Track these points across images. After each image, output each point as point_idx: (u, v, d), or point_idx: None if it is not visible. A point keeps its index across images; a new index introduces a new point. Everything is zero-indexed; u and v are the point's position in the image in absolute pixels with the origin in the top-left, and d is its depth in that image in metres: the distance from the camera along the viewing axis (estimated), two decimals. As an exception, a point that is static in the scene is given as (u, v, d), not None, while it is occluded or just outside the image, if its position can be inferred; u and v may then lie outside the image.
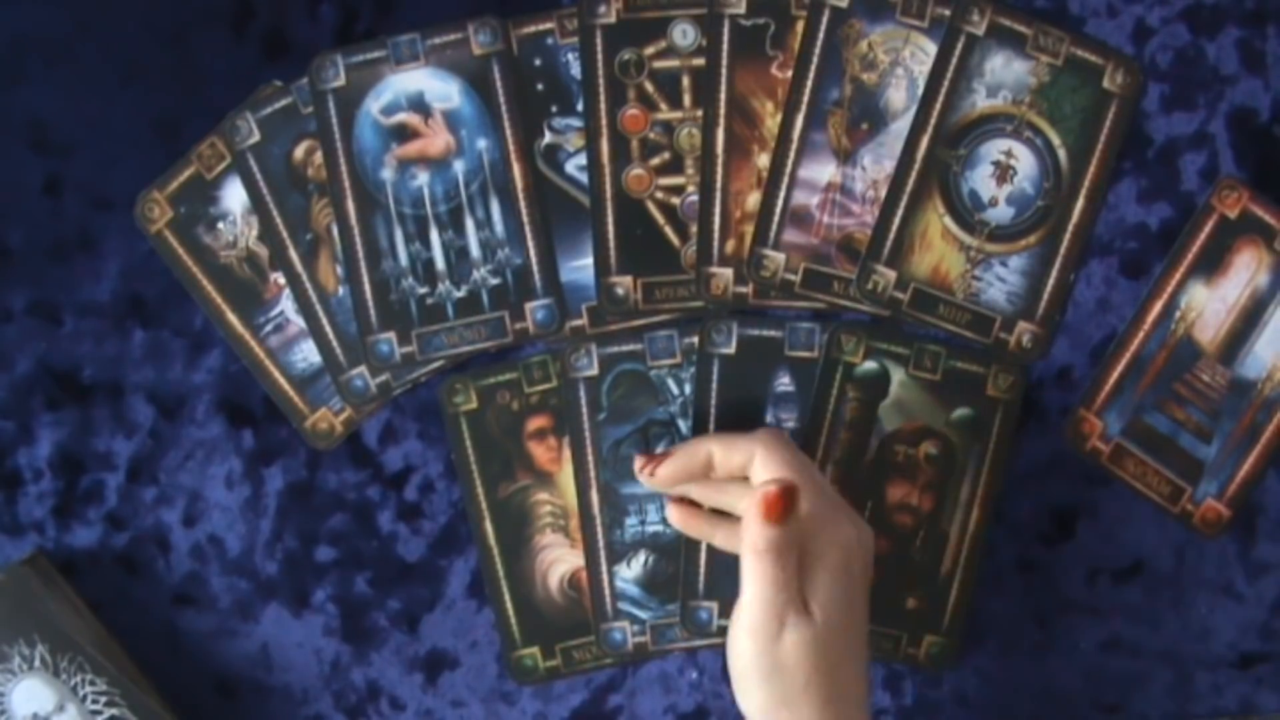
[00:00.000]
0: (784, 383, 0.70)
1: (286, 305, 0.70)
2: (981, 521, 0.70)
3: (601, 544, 0.70)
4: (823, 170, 0.69)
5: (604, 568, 0.71)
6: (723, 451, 0.63)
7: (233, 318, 0.70)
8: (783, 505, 0.58)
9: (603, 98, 0.69)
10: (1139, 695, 0.71)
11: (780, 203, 0.69)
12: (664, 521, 0.70)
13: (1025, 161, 0.69)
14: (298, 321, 0.70)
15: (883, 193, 0.69)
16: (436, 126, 0.69)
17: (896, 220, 0.69)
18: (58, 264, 0.70)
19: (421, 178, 0.69)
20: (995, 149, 0.69)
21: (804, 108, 0.69)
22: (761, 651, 0.59)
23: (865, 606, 0.62)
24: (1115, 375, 0.70)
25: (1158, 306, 0.69)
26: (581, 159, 0.69)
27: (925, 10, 0.68)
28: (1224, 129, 0.69)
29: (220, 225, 0.70)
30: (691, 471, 0.64)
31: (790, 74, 0.69)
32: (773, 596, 0.58)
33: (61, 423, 0.70)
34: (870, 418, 0.69)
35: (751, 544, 0.59)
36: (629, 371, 0.70)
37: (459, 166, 0.69)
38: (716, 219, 0.70)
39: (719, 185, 0.69)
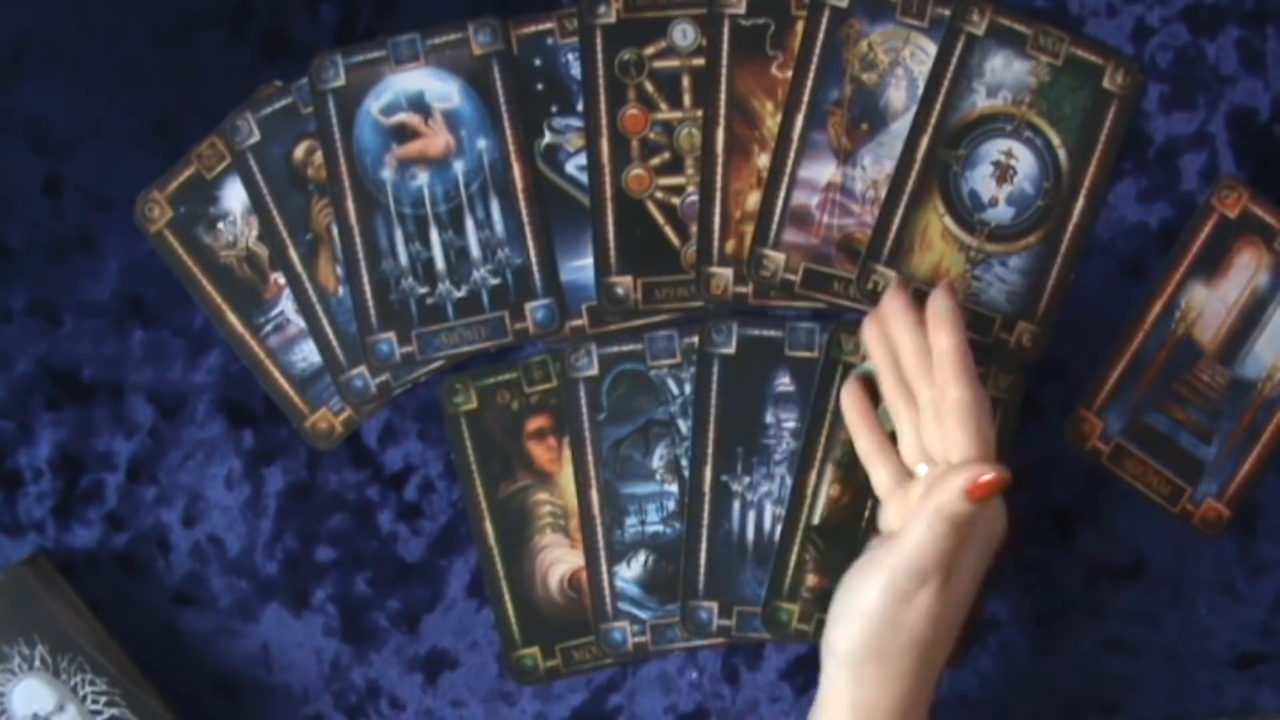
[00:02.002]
0: (784, 383, 0.70)
1: (286, 305, 0.70)
2: (981, 521, 0.70)
3: (601, 544, 0.70)
4: (823, 170, 0.69)
5: (604, 568, 0.71)
6: (926, 381, 0.61)
7: (233, 318, 0.70)
8: (993, 491, 0.57)
9: (603, 98, 0.69)
10: (1139, 695, 0.71)
11: (780, 203, 0.69)
12: (664, 521, 0.70)
13: (1025, 161, 0.69)
14: (298, 321, 0.70)
15: (883, 193, 0.69)
16: (436, 126, 0.69)
17: (896, 220, 0.69)
18: (58, 264, 0.70)
19: (421, 178, 0.69)
20: (995, 149, 0.69)
21: (804, 108, 0.69)
22: (890, 602, 0.58)
23: (978, 586, 0.62)
24: (1115, 375, 0.70)
25: (1158, 306, 0.69)
26: (581, 159, 0.69)
27: (925, 10, 0.68)
28: (1224, 129, 0.69)
29: (220, 225, 0.70)
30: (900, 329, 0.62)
31: (790, 74, 0.69)
32: (929, 561, 0.58)
33: (61, 423, 0.70)
34: (870, 418, 0.69)
35: (939, 507, 0.57)
36: (629, 371, 0.70)
37: (459, 166, 0.69)
38: (716, 219, 0.70)
39: (719, 185, 0.69)
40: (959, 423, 0.59)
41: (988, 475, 0.57)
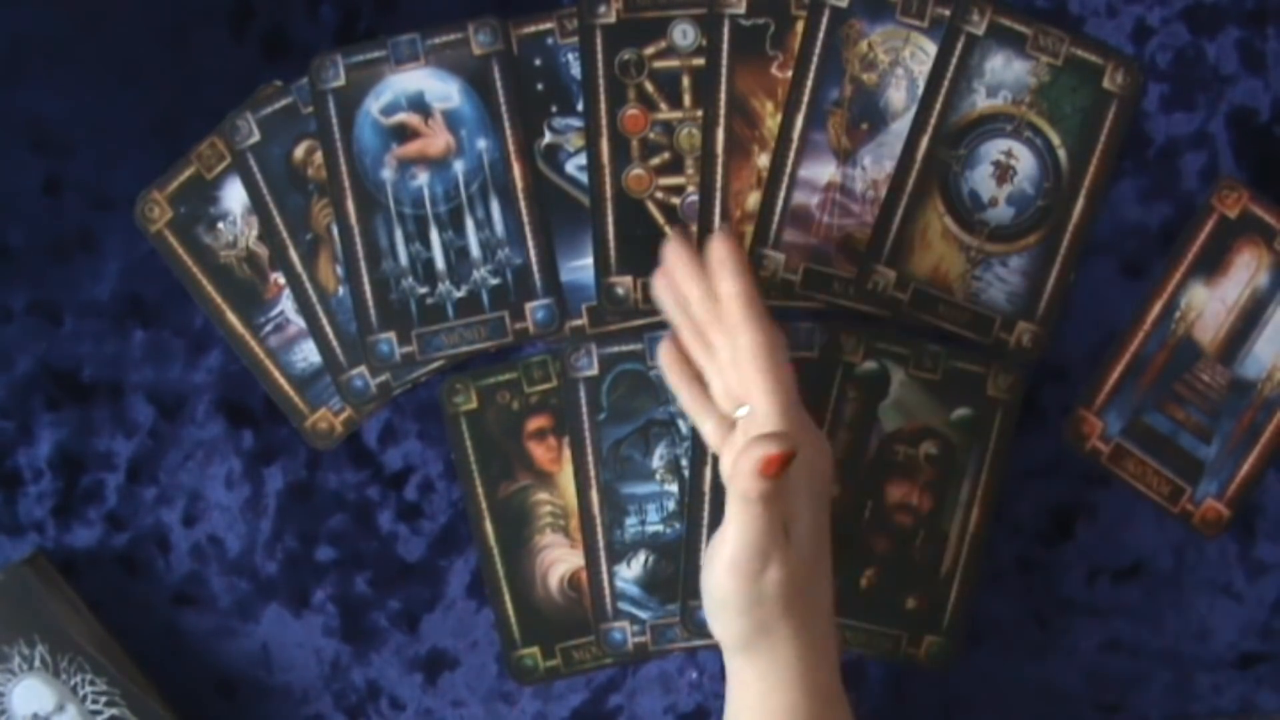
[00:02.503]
0: (784, 383, 0.70)
1: (286, 305, 0.70)
2: (981, 521, 0.70)
3: (601, 544, 0.70)
4: (823, 170, 0.69)
5: (604, 568, 0.71)
6: (717, 328, 0.62)
7: (233, 318, 0.70)
8: (781, 467, 0.57)
9: (603, 98, 0.69)
10: (1139, 695, 0.71)
11: (780, 203, 0.69)
12: (664, 521, 0.70)
13: (1025, 161, 0.69)
14: (298, 321, 0.70)
15: (883, 193, 0.69)
16: (436, 126, 0.69)
17: (896, 220, 0.69)
18: (58, 264, 0.70)
19: (421, 178, 0.69)
20: (995, 149, 0.69)
21: (804, 108, 0.69)
22: (744, 586, 0.58)
23: (829, 518, 0.62)
24: (1115, 375, 0.70)
25: (1158, 306, 0.69)
26: (581, 159, 0.69)
27: (925, 10, 0.68)
28: (1224, 129, 0.69)
29: (220, 225, 0.70)
30: (686, 269, 0.62)
31: (790, 74, 0.69)
32: (758, 539, 0.58)
33: (61, 423, 0.70)
34: (870, 418, 0.69)
35: (744, 491, 0.57)
36: (629, 371, 0.70)
37: (459, 166, 0.69)
38: (716, 219, 0.70)
39: (719, 185, 0.69)
40: (754, 367, 0.60)
41: (772, 452, 0.56)
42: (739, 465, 0.57)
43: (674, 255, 0.63)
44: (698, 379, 0.64)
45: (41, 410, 0.70)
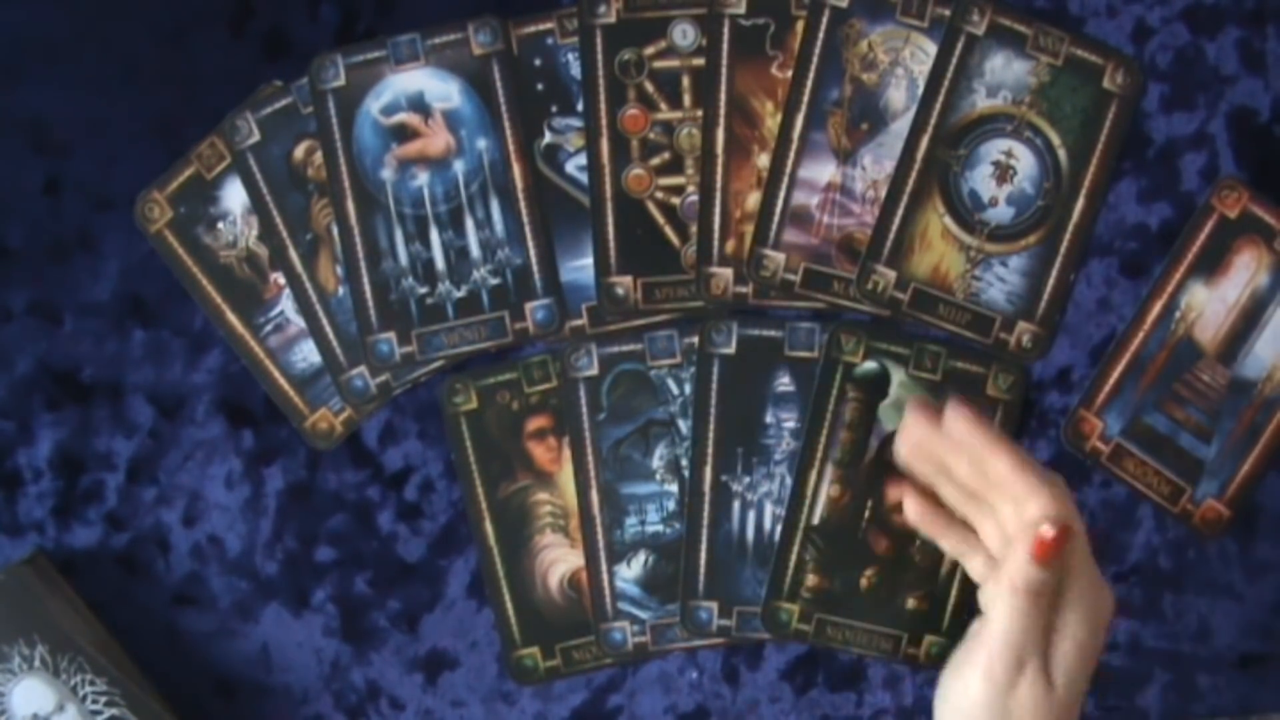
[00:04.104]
0: (784, 383, 0.70)
1: (286, 305, 0.70)
2: (981, 521, 0.70)
3: (601, 544, 0.70)
4: (823, 170, 0.69)
5: (604, 568, 0.71)
6: (1004, 500, 0.57)
7: (233, 318, 0.70)
8: (1057, 550, 0.54)
9: (603, 98, 0.69)
10: (1139, 695, 0.71)
11: (780, 203, 0.69)
12: (664, 521, 0.70)
13: (1025, 161, 0.69)
14: (298, 321, 0.70)
15: (883, 193, 0.69)
16: (436, 126, 0.69)
17: (896, 220, 0.69)
18: (58, 264, 0.70)
19: (421, 178, 0.69)
20: (995, 149, 0.69)
21: (804, 108, 0.69)
22: (993, 695, 0.55)
23: (1089, 673, 0.57)
24: (1115, 375, 0.70)
25: (1158, 306, 0.69)
26: (581, 159, 0.69)
27: (925, 10, 0.68)
28: (1224, 129, 0.69)
29: (220, 225, 0.70)
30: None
31: (790, 74, 0.69)
32: (1020, 640, 0.55)
33: (61, 423, 0.70)
34: (870, 418, 0.69)
35: (1011, 580, 0.55)
36: (629, 371, 0.70)
37: (459, 166, 0.69)
38: (716, 219, 0.70)
39: (719, 185, 0.69)
40: (1017, 481, 0.56)
41: (1048, 532, 0.54)
42: (1014, 553, 0.54)
43: (922, 429, 0.58)
44: (956, 523, 0.61)
45: (41, 410, 0.70)
